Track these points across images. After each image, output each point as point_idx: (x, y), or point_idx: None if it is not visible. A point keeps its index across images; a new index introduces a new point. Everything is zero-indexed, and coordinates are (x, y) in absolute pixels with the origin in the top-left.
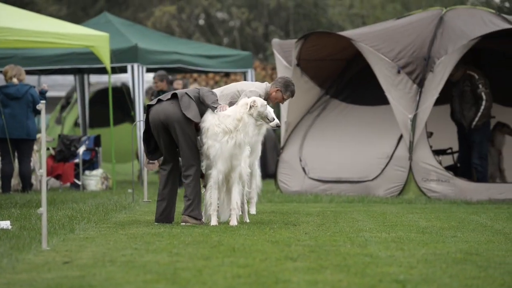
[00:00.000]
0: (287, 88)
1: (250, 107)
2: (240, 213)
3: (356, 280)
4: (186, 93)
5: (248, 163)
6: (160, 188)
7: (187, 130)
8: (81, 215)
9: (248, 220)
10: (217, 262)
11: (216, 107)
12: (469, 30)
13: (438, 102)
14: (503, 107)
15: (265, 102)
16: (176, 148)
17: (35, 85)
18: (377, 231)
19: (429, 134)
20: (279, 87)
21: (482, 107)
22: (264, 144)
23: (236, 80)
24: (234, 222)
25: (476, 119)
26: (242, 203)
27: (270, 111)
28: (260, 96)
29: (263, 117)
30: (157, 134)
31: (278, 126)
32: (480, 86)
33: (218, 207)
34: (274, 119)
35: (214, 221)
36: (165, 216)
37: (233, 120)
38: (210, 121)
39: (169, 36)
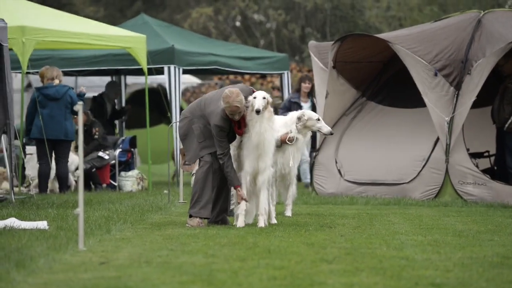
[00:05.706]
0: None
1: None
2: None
3: (392, 283)
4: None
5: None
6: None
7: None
8: (117, 216)
9: (275, 221)
10: (252, 264)
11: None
12: (508, 33)
13: (476, 105)
14: None
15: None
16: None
17: (73, 86)
18: (413, 234)
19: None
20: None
21: None
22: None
23: (272, 82)
24: (261, 224)
25: (510, 120)
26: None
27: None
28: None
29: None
30: None
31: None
32: None
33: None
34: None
35: (241, 222)
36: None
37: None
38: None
39: (205, 37)
